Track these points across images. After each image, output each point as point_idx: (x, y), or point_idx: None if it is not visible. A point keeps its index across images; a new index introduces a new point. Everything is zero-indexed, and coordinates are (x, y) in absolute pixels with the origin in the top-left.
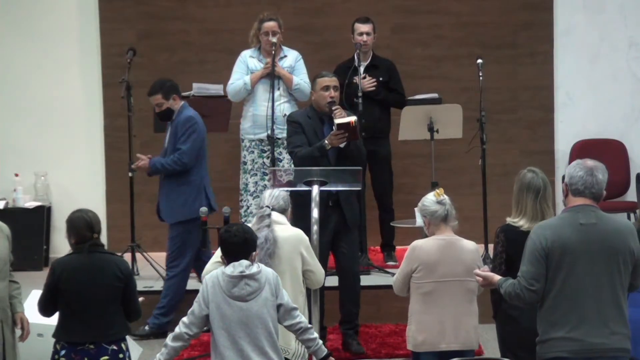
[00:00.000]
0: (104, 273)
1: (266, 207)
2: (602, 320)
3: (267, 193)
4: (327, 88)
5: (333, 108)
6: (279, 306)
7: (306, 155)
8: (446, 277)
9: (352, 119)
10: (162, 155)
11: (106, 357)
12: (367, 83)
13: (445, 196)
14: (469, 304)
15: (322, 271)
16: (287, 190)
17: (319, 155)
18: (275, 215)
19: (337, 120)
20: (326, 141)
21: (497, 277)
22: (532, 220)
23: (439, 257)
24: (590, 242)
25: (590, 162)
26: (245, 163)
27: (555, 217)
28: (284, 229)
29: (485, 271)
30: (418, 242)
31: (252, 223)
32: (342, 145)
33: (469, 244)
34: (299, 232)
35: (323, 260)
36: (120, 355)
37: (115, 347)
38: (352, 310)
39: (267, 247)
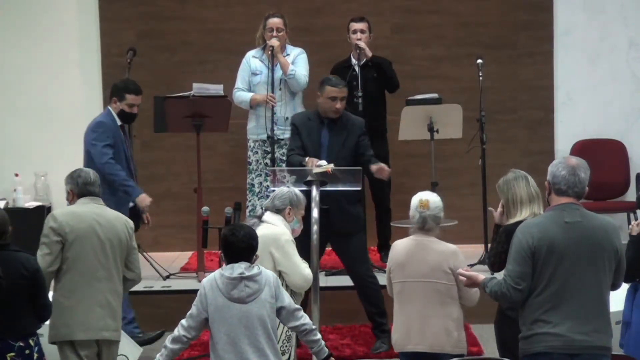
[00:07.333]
0: (9, 270)
1: (261, 208)
2: (585, 317)
3: (273, 193)
4: (334, 99)
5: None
6: (281, 308)
7: (293, 162)
8: (411, 277)
9: (329, 167)
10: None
11: (12, 354)
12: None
13: (428, 209)
14: (439, 305)
15: (301, 272)
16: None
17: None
18: (267, 215)
19: (315, 170)
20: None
21: (481, 277)
22: (531, 203)
23: (406, 257)
24: (576, 240)
25: (573, 161)
26: (250, 163)
27: (540, 215)
28: (263, 228)
29: (467, 271)
30: (396, 242)
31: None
32: None
33: (441, 246)
34: (274, 232)
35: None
36: (27, 352)
37: (22, 344)
38: (369, 309)
39: None
